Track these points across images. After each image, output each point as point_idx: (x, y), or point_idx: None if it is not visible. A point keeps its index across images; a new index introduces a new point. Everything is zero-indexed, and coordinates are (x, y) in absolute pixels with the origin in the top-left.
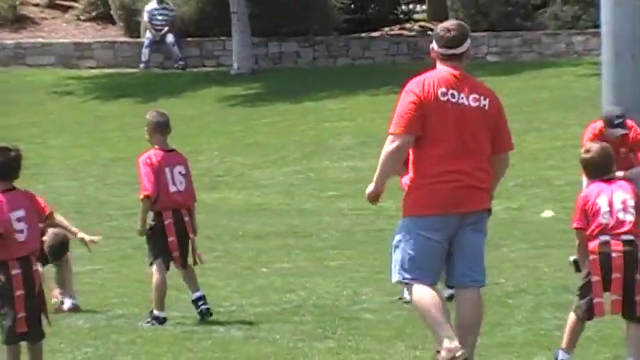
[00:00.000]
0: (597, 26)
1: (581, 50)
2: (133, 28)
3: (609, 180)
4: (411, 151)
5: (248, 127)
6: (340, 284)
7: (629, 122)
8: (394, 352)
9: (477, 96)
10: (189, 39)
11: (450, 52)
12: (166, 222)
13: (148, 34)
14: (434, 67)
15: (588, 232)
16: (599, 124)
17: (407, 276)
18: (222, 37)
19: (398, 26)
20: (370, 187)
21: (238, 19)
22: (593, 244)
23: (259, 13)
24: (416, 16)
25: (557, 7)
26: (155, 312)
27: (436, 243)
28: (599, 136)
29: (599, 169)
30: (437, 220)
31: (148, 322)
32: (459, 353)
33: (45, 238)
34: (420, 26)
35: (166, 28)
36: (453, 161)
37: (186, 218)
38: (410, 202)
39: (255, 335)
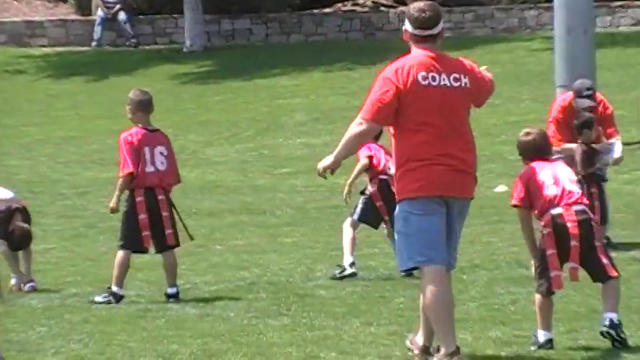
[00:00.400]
0: (550, 0)
1: (534, 25)
2: (84, 6)
3: (549, 160)
4: (396, 136)
5: (201, 104)
6: (294, 261)
7: (598, 96)
8: (349, 329)
9: (457, 75)
10: (142, 17)
11: (426, 33)
12: (138, 199)
13: (100, 12)
14: (390, 43)
15: (537, 207)
16: (569, 95)
17: (419, 259)
18: (174, 15)
19: (350, 2)
20: (328, 160)
21: None
22: (545, 218)
23: None
24: None
25: None
26: (114, 288)
27: (438, 220)
28: (568, 108)
29: (540, 151)
30: (433, 201)
31: (105, 297)
32: (455, 359)
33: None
34: (373, 2)
35: (118, 6)
36: (441, 145)
37: (160, 197)
38: (404, 186)
39: (210, 313)
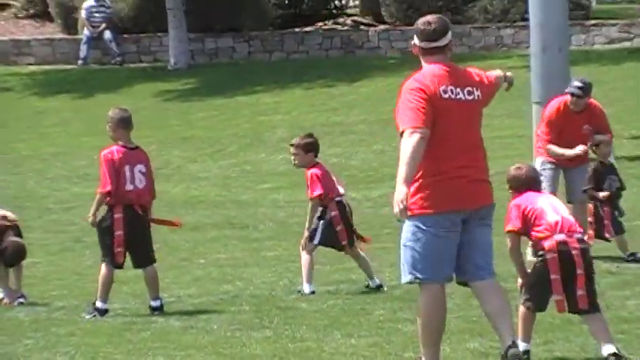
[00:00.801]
0: (526, 19)
1: (511, 43)
2: (70, 25)
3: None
4: None
5: (185, 121)
6: (276, 274)
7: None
8: (330, 341)
9: (470, 88)
10: (126, 35)
11: (434, 45)
12: (116, 216)
13: (86, 31)
14: (370, 61)
15: (538, 233)
16: (563, 98)
17: (419, 276)
18: (158, 34)
19: (331, 21)
20: (400, 193)
21: (174, 15)
22: (549, 243)
23: (195, 9)
24: (348, 10)
25: (487, 1)
26: (98, 303)
27: (447, 240)
28: (562, 110)
29: (532, 184)
30: (447, 218)
31: (90, 314)
32: None
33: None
34: (353, 21)
35: (104, 25)
36: (458, 158)
37: (138, 214)
38: (417, 201)
39: (194, 325)
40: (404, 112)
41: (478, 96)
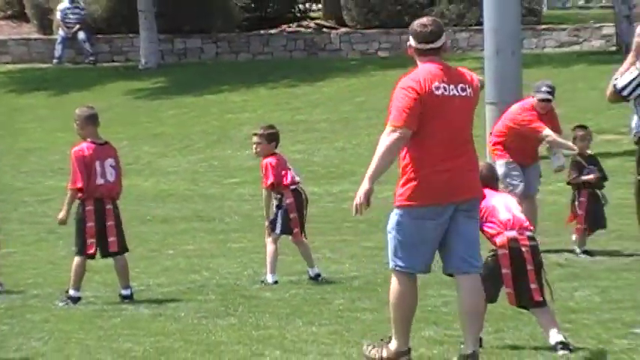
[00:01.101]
0: (480, 24)
1: (466, 46)
2: (46, 26)
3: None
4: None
5: (155, 118)
6: (241, 265)
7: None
8: (292, 328)
9: (463, 85)
10: (100, 36)
11: (429, 46)
12: (87, 208)
13: (61, 32)
14: (332, 62)
15: (490, 229)
16: (530, 102)
17: (400, 264)
18: (130, 35)
19: (295, 24)
20: (362, 189)
21: (145, 17)
22: (500, 239)
23: (165, 12)
24: (312, 14)
25: (444, 5)
26: (71, 292)
27: (430, 230)
28: (530, 110)
29: (488, 182)
30: (432, 210)
31: (63, 301)
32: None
33: None
34: (316, 24)
35: (78, 26)
36: (449, 152)
37: (108, 207)
38: (405, 194)
39: (162, 313)
40: (393, 108)
41: (470, 93)
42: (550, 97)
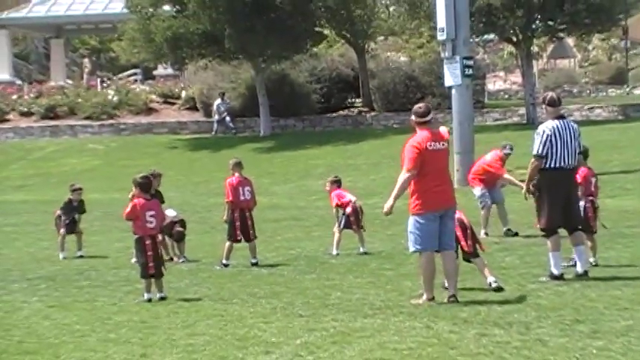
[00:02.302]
0: (450, 108)
1: (442, 121)
2: (208, 113)
3: None
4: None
5: (269, 163)
6: (318, 245)
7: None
8: (346, 280)
9: (443, 142)
10: (238, 118)
11: (423, 119)
12: (235, 215)
13: (216, 116)
14: (367, 132)
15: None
16: (498, 153)
17: (419, 247)
18: (254, 117)
19: (346, 110)
20: (388, 203)
21: (263, 107)
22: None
23: (273, 104)
24: (355, 104)
25: (428, 99)
26: (224, 261)
27: (434, 226)
28: (499, 160)
29: None
30: (432, 214)
31: (219, 266)
32: (431, 303)
33: None
34: (358, 110)
35: (225, 113)
36: (438, 180)
37: (247, 214)
38: (418, 204)
39: (273, 272)
40: (407, 157)
41: (446, 146)
42: (511, 151)
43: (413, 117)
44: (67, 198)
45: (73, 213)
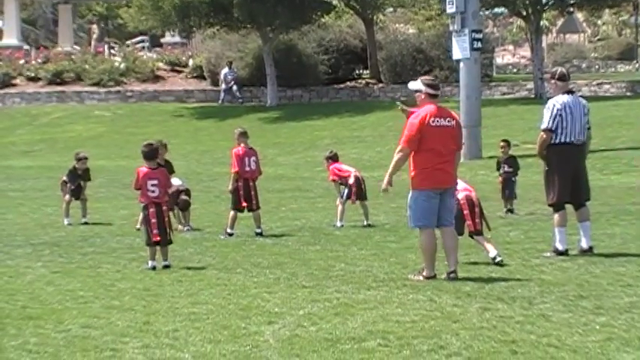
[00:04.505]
0: (457, 81)
1: (449, 95)
2: (215, 82)
3: None
4: (415, 153)
5: (275, 134)
6: (323, 216)
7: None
8: (350, 251)
9: (449, 119)
10: (245, 87)
11: (435, 92)
12: (239, 184)
13: (223, 85)
14: (375, 104)
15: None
16: None
17: (419, 223)
18: (261, 87)
19: (353, 82)
20: (385, 181)
21: (270, 77)
22: (461, 195)
23: (281, 75)
24: (363, 75)
25: (437, 71)
26: (228, 230)
27: (434, 203)
28: None
29: None
30: (433, 191)
31: (223, 236)
32: (432, 280)
33: None
34: (365, 81)
35: (233, 82)
36: (440, 158)
37: (251, 184)
38: (417, 181)
39: (278, 242)
40: (405, 132)
41: (453, 124)
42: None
43: (422, 87)
44: (72, 166)
45: (78, 180)
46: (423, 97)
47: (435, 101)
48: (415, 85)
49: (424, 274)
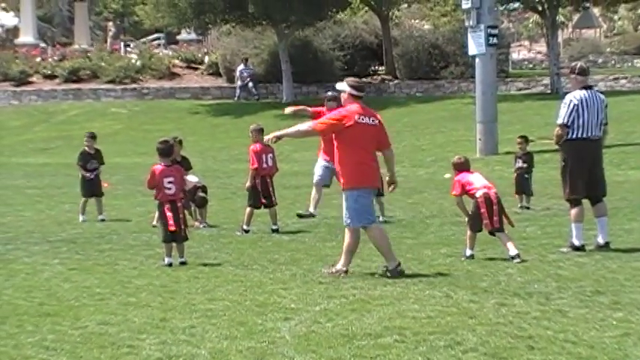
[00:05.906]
0: (473, 76)
1: (465, 90)
2: (231, 79)
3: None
4: (340, 149)
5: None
6: (339, 212)
7: None
8: (365, 246)
9: (373, 118)
10: (261, 84)
11: (360, 93)
12: (257, 180)
13: (239, 82)
14: (396, 99)
15: (470, 190)
16: None
17: (365, 221)
18: (277, 83)
19: (370, 77)
20: (274, 134)
21: (285, 74)
22: (478, 193)
23: (296, 71)
24: (379, 71)
25: (452, 67)
26: (244, 227)
27: (371, 201)
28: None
29: (466, 166)
30: (369, 189)
31: (239, 232)
32: (399, 268)
33: None
34: (381, 77)
35: (249, 79)
36: (366, 156)
37: (268, 180)
38: (351, 178)
39: (294, 239)
40: (330, 117)
41: (376, 123)
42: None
43: (347, 88)
44: (82, 148)
45: (91, 161)
46: (346, 97)
47: (361, 101)
48: (340, 85)
49: (391, 266)
